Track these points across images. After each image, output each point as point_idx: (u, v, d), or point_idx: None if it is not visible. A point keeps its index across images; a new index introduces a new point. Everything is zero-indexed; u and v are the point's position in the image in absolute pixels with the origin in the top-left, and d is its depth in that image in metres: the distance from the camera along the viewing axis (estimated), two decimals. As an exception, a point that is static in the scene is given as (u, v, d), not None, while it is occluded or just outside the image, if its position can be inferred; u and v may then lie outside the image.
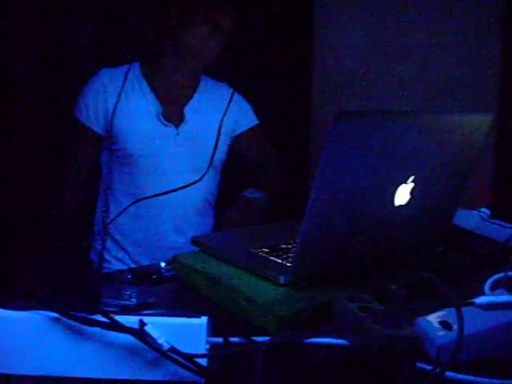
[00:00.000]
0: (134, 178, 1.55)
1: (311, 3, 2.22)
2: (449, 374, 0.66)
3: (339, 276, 0.89)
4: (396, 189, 0.90)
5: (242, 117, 1.69)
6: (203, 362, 0.64)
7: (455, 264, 1.06)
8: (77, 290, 0.84)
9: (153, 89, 1.57)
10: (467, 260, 1.09)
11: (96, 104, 1.54)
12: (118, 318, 0.65)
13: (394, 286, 0.84)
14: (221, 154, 1.64)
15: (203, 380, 0.64)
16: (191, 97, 1.61)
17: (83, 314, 0.64)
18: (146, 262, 1.47)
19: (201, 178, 1.35)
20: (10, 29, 1.72)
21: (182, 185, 1.34)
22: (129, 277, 0.97)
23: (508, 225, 1.24)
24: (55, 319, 0.65)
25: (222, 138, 1.56)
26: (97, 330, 0.64)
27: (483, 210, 1.32)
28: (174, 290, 0.99)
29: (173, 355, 0.62)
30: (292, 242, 1.03)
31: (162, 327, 0.64)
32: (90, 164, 1.60)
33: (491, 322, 0.72)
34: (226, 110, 1.56)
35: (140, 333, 0.63)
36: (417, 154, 0.91)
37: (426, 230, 1.08)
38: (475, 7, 2.03)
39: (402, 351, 0.67)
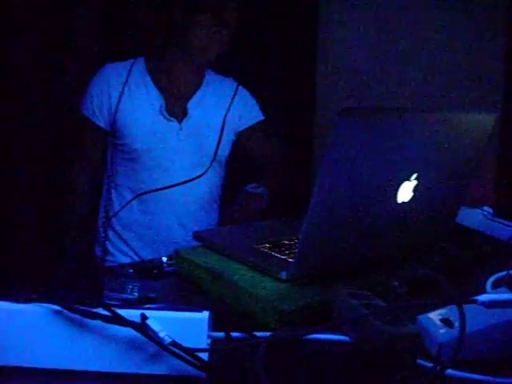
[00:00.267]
0: (138, 173, 1.55)
1: (316, 0, 2.22)
2: (450, 371, 0.66)
3: (341, 272, 0.89)
4: (399, 186, 0.90)
5: (247, 112, 1.67)
6: (204, 356, 0.64)
7: (457, 262, 1.06)
8: (79, 283, 0.84)
9: (156, 83, 1.57)
10: (469, 258, 1.08)
11: (100, 99, 1.54)
12: (120, 311, 0.65)
13: (395, 283, 0.84)
14: (224, 150, 1.63)
15: (204, 374, 0.64)
16: (195, 92, 1.60)
17: (85, 307, 0.64)
18: (149, 256, 1.46)
19: (203, 173, 1.35)
20: (9, 27, 1.73)
21: (185, 180, 1.34)
22: (131, 271, 0.97)
23: (510, 223, 1.24)
24: (57, 312, 0.65)
25: (225, 133, 1.56)
26: (98, 323, 0.64)
27: (486, 208, 1.32)
28: (176, 285, 0.99)
29: (174, 349, 0.62)
30: (294, 238, 1.02)
31: (164, 321, 0.64)
32: (97, 159, 1.61)
33: (493, 319, 0.71)
34: (230, 105, 1.55)
35: (142, 327, 0.63)
36: (420, 152, 0.90)
37: (429, 227, 1.08)
38: (479, 6, 2.03)
39: (403, 348, 0.67)
